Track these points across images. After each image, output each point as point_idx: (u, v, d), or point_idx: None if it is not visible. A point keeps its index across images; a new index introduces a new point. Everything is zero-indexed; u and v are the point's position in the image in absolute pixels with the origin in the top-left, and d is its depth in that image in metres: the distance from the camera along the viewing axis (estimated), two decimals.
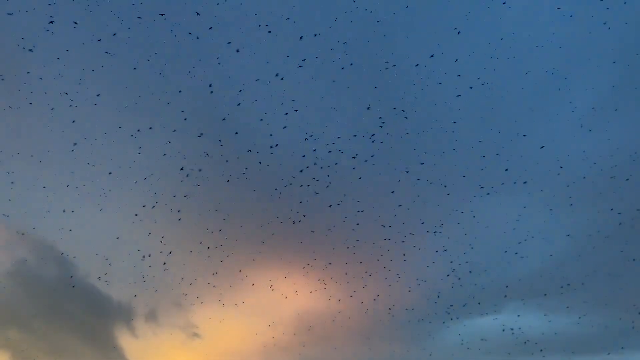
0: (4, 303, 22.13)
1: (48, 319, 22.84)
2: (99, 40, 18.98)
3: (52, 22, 19.86)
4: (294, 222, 22.51)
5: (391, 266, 24.69)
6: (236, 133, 20.59)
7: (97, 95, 20.42)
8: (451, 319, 25.86)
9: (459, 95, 21.21)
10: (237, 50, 19.15)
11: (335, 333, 25.89)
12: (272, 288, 24.75)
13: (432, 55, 21.75)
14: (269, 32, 19.02)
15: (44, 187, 21.64)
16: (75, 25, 19.26)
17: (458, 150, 22.43)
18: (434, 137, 21.62)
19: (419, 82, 20.61)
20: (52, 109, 20.98)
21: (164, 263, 22.34)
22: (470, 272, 24.13)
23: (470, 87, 21.37)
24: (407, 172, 21.95)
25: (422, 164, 21.79)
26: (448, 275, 25.43)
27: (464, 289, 25.13)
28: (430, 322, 26.45)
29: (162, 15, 18.41)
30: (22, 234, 21.80)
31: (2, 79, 19.80)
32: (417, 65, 20.82)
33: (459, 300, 25.12)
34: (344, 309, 25.65)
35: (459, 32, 20.70)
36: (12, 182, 21.37)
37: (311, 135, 20.63)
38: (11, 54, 20.40)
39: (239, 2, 19.03)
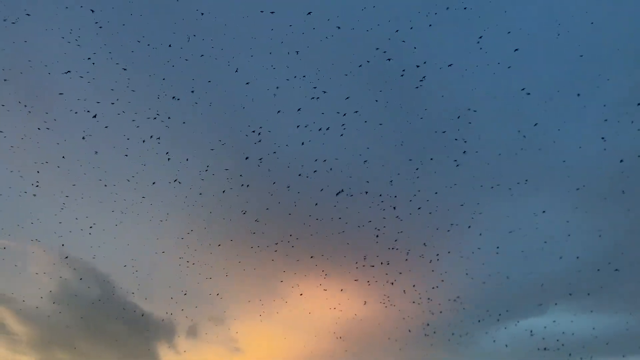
0: (49, 324, 22.54)
1: (91, 338, 23.23)
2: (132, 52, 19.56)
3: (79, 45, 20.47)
4: (327, 235, 22.84)
5: (427, 274, 24.83)
6: (274, 152, 21.13)
7: (133, 120, 21.08)
8: (488, 325, 25.87)
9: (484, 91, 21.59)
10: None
11: (372, 341, 26.03)
12: (303, 295, 24.98)
13: (450, 65, 22.22)
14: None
15: (82, 215, 22.17)
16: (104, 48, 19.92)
17: (489, 152, 22.77)
18: (467, 142, 21.95)
19: (450, 87, 21.08)
20: (85, 137, 21.64)
21: (209, 278, 22.69)
22: (507, 277, 24.23)
23: (494, 97, 21.85)
24: (438, 174, 22.26)
25: (457, 165, 21.99)
26: (484, 282, 25.49)
27: (500, 294, 25.20)
28: (466, 328, 26.47)
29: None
30: (65, 257, 22.25)
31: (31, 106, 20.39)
32: (450, 65, 21.27)
33: (494, 306, 25.18)
34: (381, 318, 25.79)
35: (479, 39, 21.12)
36: (51, 208, 21.89)
37: (345, 148, 20.98)
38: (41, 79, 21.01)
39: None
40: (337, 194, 20.67)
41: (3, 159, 21.10)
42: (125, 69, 20.11)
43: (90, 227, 22.04)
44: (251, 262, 24.02)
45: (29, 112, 20.12)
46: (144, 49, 20.15)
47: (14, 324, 22.36)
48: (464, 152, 21.91)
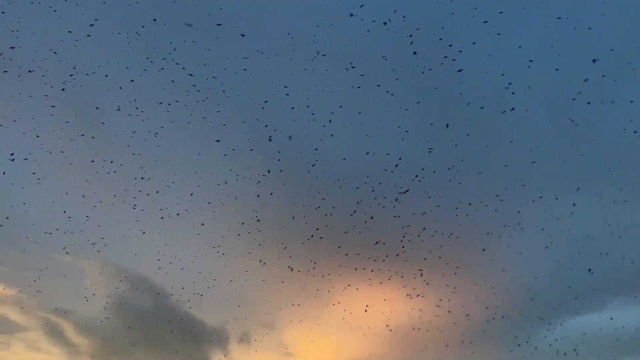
0: (107, 335, 23.18)
1: (148, 348, 23.76)
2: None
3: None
4: (377, 238, 22.68)
5: (479, 272, 24.40)
6: (314, 165, 21.21)
7: (184, 140, 21.56)
8: (545, 323, 25.21)
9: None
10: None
11: (426, 342, 25.70)
12: (354, 298, 24.90)
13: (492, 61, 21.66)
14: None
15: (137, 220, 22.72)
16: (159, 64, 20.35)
17: (541, 150, 22.18)
18: (514, 142, 21.52)
19: (496, 88, 20.65)
20: (139, 153, 22.19)
21: (260, 282, 22.89)
22: (567, 270, 23.55)
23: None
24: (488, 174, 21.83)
25: (505, 166, 21.55)
26: (536, 277, 24.88)
27: (556, 291, 24.52)
28: (523, 327, 25.87)
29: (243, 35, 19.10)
30: (120, 270, 22.87)
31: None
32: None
33: (552, 303, 24.53)
34: (434, 318, 25.44)
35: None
36: (106, 221, 22.50)
37: (388, 153, 20.84)
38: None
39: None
40: (402, 193, 20.47)
41: (57, 176, 21.76)
42: (173, 81, 20.48)
43: (141, 235, 22.58)
44: (301, 266, 24.10)
45: (79, 128, 20.82)
46: (192, 63, 20.50)
47: (75, 336, 23.12)
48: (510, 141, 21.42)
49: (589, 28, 20.43)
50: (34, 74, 20.20)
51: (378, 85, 20.87)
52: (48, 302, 22.42)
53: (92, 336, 23.11)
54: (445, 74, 21.37)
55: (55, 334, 22.93)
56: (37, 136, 20.69)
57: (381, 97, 20.99)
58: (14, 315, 23.11)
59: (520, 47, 20.86)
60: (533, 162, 23.01)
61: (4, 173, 19.54)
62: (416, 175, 21.63)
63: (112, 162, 21.00)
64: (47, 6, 18.79)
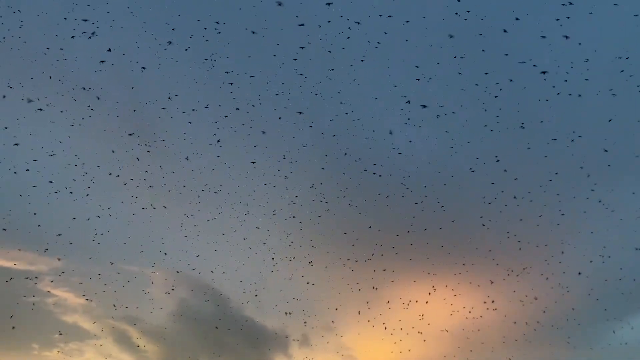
0: (172, 341, 23.80)
1: (212, 353, 24.26)
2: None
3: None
4: (436, 237, 22.40)
5: (540, 269, 23.62)
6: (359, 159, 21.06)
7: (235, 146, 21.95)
8: (613, 320, 24.12)
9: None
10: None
11: (487, 341, 25.09)
12: (414, 299, 24.59)
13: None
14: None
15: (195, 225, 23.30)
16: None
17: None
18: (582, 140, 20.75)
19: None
20: (187, 158, 22.74)
21: (315, 286, 22.99)
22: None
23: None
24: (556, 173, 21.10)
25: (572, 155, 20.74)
26: (606, 280, 23.83)
27: (623, 286, 23.41)
28: (589, 325, 24.87)
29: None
30: (183, 277, 23.49)
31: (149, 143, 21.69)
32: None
33: (619, 300, 23.43)
34: (494, 317, 24.82)
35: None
36: (168, 228, 23.18)
37: (451, 147, 20.43)
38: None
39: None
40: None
41: (120, 188, 22.55)
42: (231, 84, 20.84)
43: (203, 242, 23.13)
44: (358, 267, 24.03)
45: (136, 138, 21.56)
46: (249, 69, 20.85)
47: (143, 342, 23.83)
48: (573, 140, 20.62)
49: None
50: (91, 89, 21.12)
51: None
52: (116, 310, 23.24)
53: (158, 342, 23.79)
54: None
55: (124, 340, 23.76)
56: (96, 153, 21.62)
57: (444, 93, 20.74)
58: (85, 323, 24.11)
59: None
60: (605, 150, 21.97)
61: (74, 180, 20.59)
62: (471, 171, 21.19)
63: (172, 172, 21.69)
64: (96, 21, 19.61)
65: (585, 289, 23.75)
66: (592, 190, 22.29)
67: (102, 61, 20.33)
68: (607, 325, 24.34)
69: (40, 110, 20.53)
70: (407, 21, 20.02)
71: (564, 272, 22.70)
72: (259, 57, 20.90)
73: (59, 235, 21.21)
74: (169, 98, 21.47)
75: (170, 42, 20.26)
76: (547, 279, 23.69)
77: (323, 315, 24.55)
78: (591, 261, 23.77)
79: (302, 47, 20.29)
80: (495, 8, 19.90)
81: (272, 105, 21.43)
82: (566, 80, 20.54)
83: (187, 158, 22.62)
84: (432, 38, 20.14)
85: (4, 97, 20.25)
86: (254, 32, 19.90)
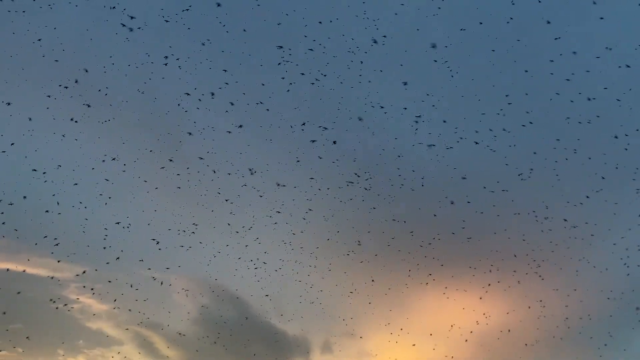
0: (195, 346, 23.88)
1: (233, 358, 24.25)
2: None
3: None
4: (456, 242, 22.11)
5: (565, 273, 23.08)
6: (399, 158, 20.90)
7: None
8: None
9: None
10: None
11: (511, 348, 24.52)
12: (434, 304, 24.24)
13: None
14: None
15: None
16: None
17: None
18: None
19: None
20: (207, 164, 22.95)
21: (338, 290, 22.84)
22: None
23: None
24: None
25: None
26: (628, 274, 23.19)
27: None
28: (617, 330, 24.12)
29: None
30: (204, 281, 23.66)
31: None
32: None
33: None
34: (517, 323, 24.29)
35: None
36: (186, 232, 23.35)
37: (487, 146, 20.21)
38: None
39: None
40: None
41: (141, 195, 22.88)
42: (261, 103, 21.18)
43: (224, 248, 23.29)
44: (379, 272, 23.84)
45: (160, 150, 21.95)
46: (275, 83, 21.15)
47: (164, 348, 23.97)
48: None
49: None
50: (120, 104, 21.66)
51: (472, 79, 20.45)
52: (139, 316, 23.46)
53: (181, 348, 23.90)
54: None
55: (147, 346, 23.94)
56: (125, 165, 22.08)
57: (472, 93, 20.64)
58: (109, 329, 24.39)
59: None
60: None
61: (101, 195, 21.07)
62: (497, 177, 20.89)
63: (199, 181, 21.98)
64: (124, 38, 20.15)
65: (608, 295, 23.14)
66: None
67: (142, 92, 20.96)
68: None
69: (74, 120, 21.04)
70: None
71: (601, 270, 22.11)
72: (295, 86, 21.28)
73: (86, 245, 21.71)
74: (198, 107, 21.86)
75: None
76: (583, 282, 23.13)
77: (345, 321, 24.40)
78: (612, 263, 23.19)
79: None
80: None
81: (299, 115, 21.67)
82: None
83: (214, 171, 22.83)
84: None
85: (29, 118, 20.91)
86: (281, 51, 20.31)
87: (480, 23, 20.84)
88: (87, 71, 20.84)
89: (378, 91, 21.55)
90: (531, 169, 21.19)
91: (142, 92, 22.12)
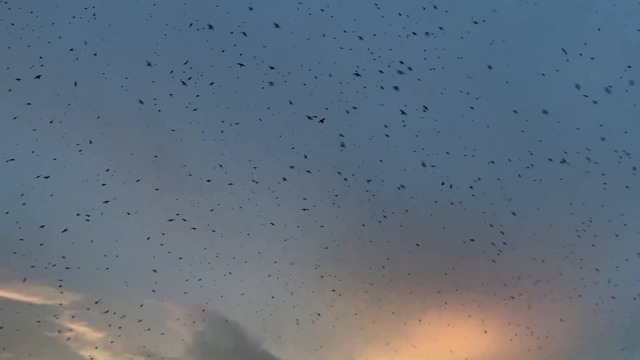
0: None
1: None
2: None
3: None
4: (458, 268, 21.66)
5: (569, 294, 22.49)
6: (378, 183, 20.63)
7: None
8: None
9: None
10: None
11: None
12: (436, 331, 23.70)
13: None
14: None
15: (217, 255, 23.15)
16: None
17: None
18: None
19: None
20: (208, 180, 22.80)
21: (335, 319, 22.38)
22: None
23: None
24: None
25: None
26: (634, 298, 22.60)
27: None
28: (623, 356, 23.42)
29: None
30: (200, 309, 23.25)
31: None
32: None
33: None
34: (523, 349, 23.62)
35: None
36: (181, 258, 23.06)
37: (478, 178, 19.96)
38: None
39: None
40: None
41: (140, 223, 22.67)
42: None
43: (220, 276, 22.95)
44: (380, 299, 23.40)
45: (162, 180, 21.85)
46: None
47: None
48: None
49: None
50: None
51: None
52: (134, 344, 23.05)
53: None
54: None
55: None
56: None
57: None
58: (103, 357, 23.94)
59: None
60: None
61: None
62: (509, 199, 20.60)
63: (194, 207, 21.80)
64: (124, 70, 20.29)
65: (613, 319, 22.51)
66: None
67: (141, 101, 20.96)
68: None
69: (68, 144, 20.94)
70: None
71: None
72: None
73: (81, 272, 21.50)
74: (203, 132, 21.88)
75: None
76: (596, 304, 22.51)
77: (343, 349, 23.85)
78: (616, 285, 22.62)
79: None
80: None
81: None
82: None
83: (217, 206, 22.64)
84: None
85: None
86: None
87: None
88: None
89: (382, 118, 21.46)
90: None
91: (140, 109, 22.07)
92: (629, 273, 22.31)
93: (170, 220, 21.80)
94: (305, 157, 22.30)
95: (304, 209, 21.74)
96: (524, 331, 23.09)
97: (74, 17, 20.62)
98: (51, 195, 21.79)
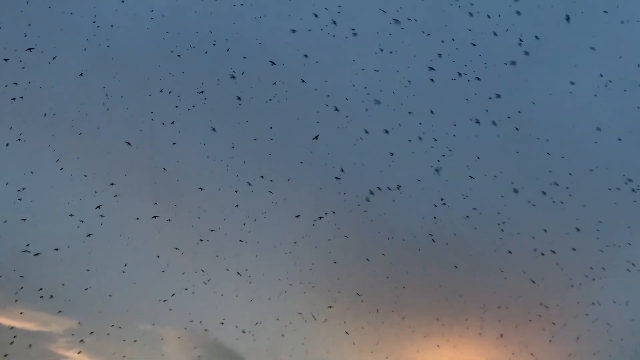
0: None
1: None
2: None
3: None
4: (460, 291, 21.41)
5: (571, 332, 22.30)
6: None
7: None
8: None
9: None
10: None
11: None
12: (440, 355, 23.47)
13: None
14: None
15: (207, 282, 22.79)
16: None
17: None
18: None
19: None
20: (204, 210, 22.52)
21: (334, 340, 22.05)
22: None
23: None
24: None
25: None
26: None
27: None
28: None
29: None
30: (196, 334, 22.88)
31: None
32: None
33: None
34: None
35: None
36: (186, 289, 22.74)
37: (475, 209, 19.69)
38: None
39: None
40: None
41: (135, 244, 22.31)
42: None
43: (217, 302, 22.67)
44: (376, 322, 23.16)
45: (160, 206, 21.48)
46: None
47: None
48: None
49: None
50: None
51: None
52: None
53: None
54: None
55: None
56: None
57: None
58: None
59: None
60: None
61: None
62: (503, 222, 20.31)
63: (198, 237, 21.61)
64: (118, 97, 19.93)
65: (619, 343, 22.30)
66: None
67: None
68: None
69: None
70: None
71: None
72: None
73: (76, 298, 21.24)
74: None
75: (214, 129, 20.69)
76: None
77: None
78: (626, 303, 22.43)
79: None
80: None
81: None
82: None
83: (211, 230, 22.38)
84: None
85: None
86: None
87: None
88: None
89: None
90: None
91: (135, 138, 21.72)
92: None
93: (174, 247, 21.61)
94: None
95: (312, 222, 21.53)
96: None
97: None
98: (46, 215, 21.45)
